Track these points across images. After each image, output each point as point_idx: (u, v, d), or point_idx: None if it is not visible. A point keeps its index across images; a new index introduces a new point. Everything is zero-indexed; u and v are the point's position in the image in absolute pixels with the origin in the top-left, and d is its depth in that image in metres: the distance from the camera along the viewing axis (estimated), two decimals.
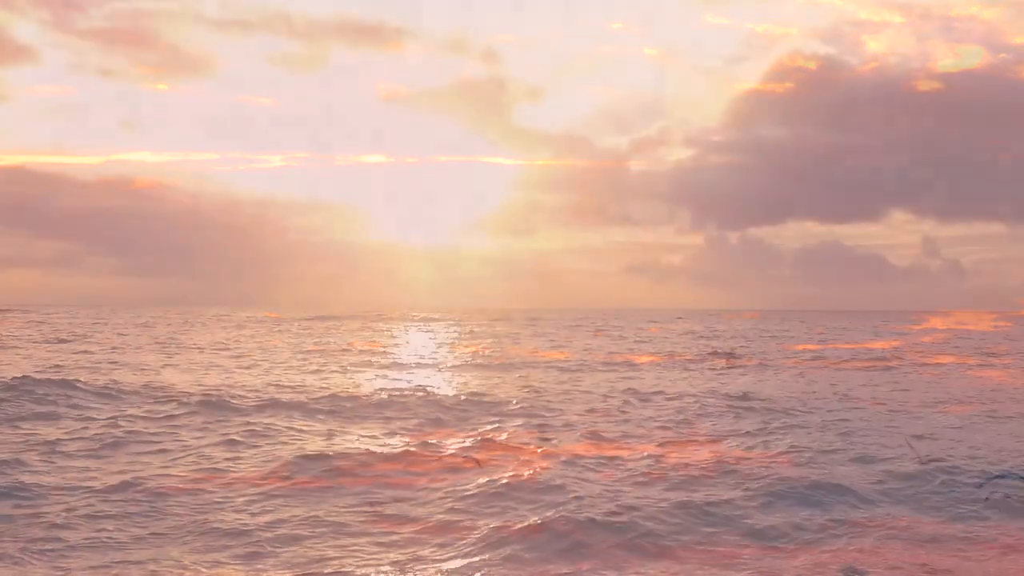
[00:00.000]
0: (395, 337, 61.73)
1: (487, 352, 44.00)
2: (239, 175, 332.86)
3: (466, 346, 50.25)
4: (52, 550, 9.20)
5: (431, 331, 73.58)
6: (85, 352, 39.37)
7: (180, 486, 11.91)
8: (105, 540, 9.56)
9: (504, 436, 16.39)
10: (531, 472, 12.76)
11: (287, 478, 12.54)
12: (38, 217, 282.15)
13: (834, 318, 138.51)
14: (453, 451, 14.79)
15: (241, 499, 11.36)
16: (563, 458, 14.08)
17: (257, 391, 22.67)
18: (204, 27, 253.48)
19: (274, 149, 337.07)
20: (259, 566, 8.84)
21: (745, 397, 22.85)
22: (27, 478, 12.12)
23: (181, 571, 8.64)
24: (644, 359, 39.63)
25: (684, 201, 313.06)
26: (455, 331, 73.67)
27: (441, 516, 10.70)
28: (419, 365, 35.63)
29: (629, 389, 24.99)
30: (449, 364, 36.40)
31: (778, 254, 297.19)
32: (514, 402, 21.33)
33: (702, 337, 63.60)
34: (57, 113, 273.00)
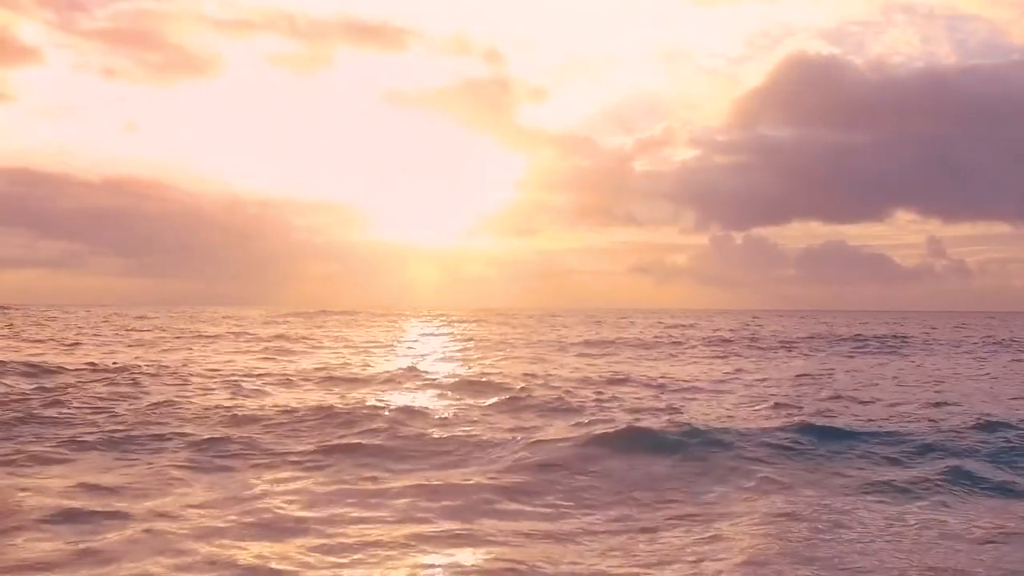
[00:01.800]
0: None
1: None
2: (241, 175, 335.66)
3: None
4: None
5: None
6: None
7: None
8: None
9: None
10: None
11: None
12: (41, 217, 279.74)
13: (831, 318, 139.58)
14: None
15: None
16: None
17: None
18: (207, 27, 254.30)
19: (276, 148, 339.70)
20: None
21: None
22: None
23: None
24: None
25: (688, 201, 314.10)
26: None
27: None
28: None
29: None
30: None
31: (782, 254, 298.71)
32: None
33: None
34: (61, 113, 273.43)
